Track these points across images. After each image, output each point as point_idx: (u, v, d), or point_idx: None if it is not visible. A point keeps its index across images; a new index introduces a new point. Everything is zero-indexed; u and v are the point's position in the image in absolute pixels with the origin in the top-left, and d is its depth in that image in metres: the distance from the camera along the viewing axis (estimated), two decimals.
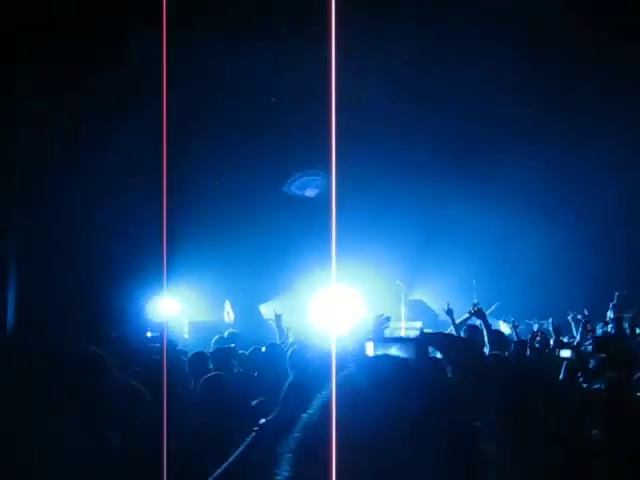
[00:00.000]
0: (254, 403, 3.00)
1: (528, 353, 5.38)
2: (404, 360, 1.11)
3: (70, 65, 9.35)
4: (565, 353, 4.13)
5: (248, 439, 1.17)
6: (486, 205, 11.78)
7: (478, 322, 5.90)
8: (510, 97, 10.82)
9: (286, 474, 0.94)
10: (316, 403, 0.96)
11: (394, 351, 1.17)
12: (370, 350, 1.20)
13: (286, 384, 1.24)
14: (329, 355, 1.19)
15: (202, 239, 11.12)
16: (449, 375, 1.19)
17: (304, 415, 0.94)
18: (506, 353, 5.32)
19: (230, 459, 1.17)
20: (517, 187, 11.86)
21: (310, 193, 12.90)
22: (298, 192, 12.86)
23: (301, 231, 11.10)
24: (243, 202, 12.67)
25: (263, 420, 1.20)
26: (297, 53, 9.65)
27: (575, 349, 4.53)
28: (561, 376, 3.95)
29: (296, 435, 0.94)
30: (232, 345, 6.70)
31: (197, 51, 9.47)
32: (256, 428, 1.19)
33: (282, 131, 11.49)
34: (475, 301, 7.39)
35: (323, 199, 11.94)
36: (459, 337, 1.16)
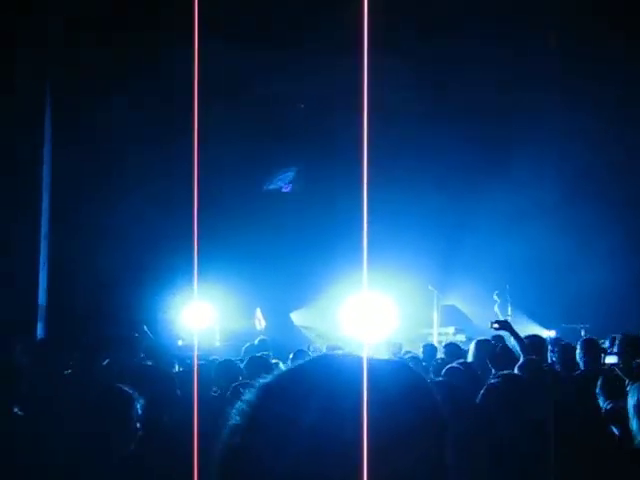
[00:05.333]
0: None
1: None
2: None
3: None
4: (611, 359, 4.00)
5: None
6: (519, 208, 11.57)
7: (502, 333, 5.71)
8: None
9: None
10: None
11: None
12: None
13: None
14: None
15: (233, 247, 11.15)
16: None
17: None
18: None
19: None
20: (543, 190, 11.57)
21: (286, 189, 13.05)
22: (273, 189, 13.02)
23: (331, 239, 11.04)
24: (275, 209, 12.68)
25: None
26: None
27: (620, 355, 4.38)
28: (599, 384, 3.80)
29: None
30: (266, 353, 6.67)
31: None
32: None
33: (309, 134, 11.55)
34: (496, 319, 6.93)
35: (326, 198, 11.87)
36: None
